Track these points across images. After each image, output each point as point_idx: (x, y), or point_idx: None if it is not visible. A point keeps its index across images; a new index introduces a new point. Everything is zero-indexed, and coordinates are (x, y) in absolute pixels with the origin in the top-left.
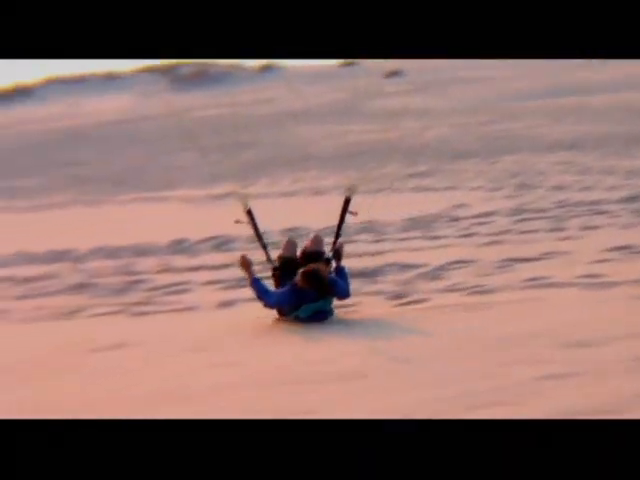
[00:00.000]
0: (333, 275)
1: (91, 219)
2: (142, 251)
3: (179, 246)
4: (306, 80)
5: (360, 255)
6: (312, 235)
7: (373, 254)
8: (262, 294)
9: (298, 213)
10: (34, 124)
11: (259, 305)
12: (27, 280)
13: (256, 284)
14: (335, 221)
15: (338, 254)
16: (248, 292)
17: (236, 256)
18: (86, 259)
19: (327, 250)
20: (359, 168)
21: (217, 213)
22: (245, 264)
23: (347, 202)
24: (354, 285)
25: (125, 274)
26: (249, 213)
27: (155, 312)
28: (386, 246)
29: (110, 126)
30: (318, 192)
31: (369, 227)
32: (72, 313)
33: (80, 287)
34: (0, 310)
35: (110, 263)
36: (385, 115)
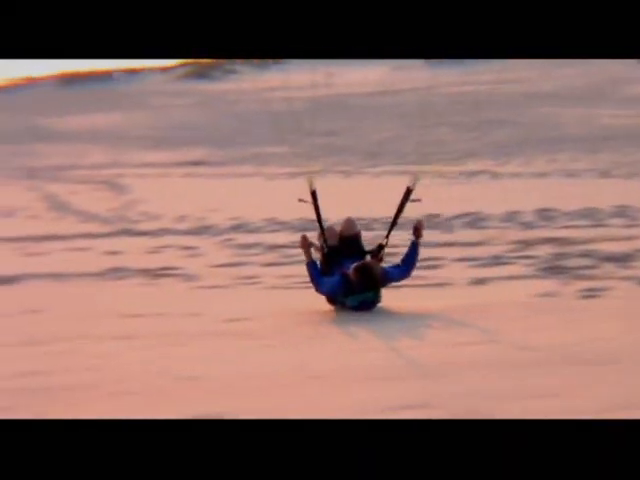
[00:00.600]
0: (386, 267)
1: (343, 189)
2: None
3: (431, 221)
4: (556, 63)
5: (612, 239)
6: (345, 219)
7: (626, 239)
8: (315, 279)
9: (552, 194)
10: (287, 91)
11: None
12: (277, 247)
13: (312, 268)
14: (589, 204)
15: (417, 231)
16: (501, 270)
17: (489, 233)
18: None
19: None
20: (611, 152)
21: (471, 190)
22: (304, 245)
23: (409, 192)
24: (604, 269)
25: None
26: (314, 194)
27: (408, 286)
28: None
29: (365, 98)
30: (571, 174)
31: (622, 211)
32: None
33: None
34: (249, 276)
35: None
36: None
